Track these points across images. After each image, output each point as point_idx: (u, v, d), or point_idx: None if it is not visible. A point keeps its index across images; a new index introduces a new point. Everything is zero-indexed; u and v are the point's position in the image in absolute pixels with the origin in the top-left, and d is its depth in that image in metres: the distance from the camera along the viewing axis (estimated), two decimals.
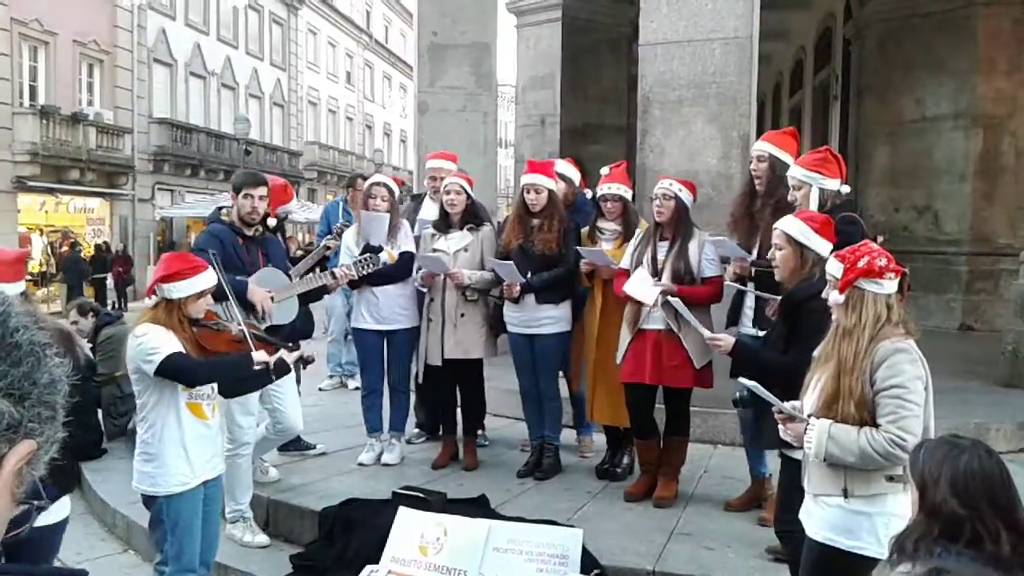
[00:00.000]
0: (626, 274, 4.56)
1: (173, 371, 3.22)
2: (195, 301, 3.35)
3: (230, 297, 3.78)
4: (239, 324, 3.64)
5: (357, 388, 6.82)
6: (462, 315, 5.08)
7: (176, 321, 3.32)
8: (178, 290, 3.30)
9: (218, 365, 3.40)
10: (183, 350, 3.28)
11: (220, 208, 4.70)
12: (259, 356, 3.48)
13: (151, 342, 3.23)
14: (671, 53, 5.82)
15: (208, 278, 3.40)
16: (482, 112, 8.00)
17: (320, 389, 7.58)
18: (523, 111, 11.22)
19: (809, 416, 2.65)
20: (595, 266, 4.81)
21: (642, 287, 4.37)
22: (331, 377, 7.88)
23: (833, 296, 2.66)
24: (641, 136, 5.98)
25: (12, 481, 0.92)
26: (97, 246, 22.31)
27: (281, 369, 3.58)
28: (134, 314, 3.59)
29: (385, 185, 5.28)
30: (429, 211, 5.73)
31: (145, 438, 3.35)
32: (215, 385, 3.47)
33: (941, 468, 1.87)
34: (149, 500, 3.37)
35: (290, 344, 3.82)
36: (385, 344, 5.32)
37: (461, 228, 5.17)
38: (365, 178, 7.95)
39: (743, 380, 2.83)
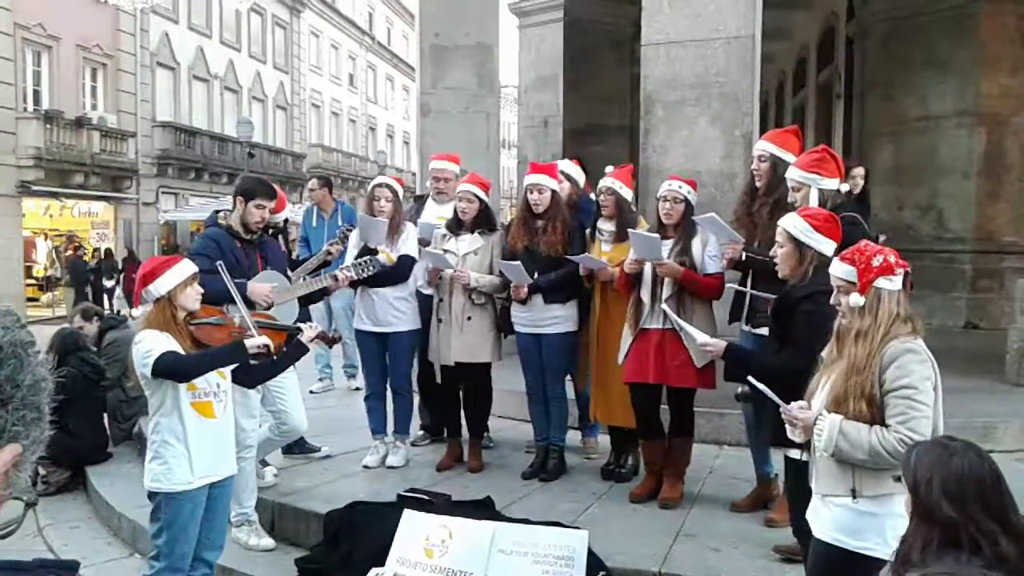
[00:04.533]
0: (628, 278, 4.56)
1: (166, 370, 3.22)
2: (183, 291, 3.34)
3: (234, 296, 3.74)
4: (242, 315, 3.61)
5: (359, 388, 6.80)
6: (469, 318, 5.08)
7: (170, 318, 3.33)
8: (162, 286, 3.31)
9: (210, 356, 3.37)
10: (179, 349, 3.28)
11: (218, 212, 4.68)
12: (253, 341, 3.42)
13: (145, 346, 3.26)
14: (673, 53, 5.81)
15: (187, 266, 3.40)
16: (484, 113, 8.01)
17: (312, 392, 7.42)
18: (526, 112, 11.23)
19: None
20: (591, 269, 4.81)
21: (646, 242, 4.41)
22: (320, 380, 7.83)
23: (853, 299, 2.59)
24: (644, 136, 5.98)
25: None
26: (107, 251, 22.16)
27: (299, 350, 3.73)
28: (140, 320, 3.56)
29: (388, 186, 5.28)
30: (431, 213, 5.73)
31: (153, 438, 3.39)
32: (223, 382, 3.46)
33: (932, 471, 1.85)
34: (152, 495, 3.41)
35: (307, 325, 3.81)
36: (385, 347, 5.31)
37: (473, 231, 5.18)
38: (317, 179, 7.71)
39: (753, 381, 2.81)
